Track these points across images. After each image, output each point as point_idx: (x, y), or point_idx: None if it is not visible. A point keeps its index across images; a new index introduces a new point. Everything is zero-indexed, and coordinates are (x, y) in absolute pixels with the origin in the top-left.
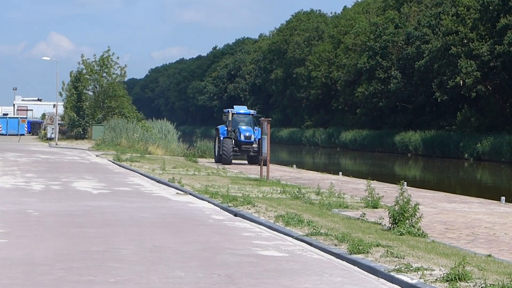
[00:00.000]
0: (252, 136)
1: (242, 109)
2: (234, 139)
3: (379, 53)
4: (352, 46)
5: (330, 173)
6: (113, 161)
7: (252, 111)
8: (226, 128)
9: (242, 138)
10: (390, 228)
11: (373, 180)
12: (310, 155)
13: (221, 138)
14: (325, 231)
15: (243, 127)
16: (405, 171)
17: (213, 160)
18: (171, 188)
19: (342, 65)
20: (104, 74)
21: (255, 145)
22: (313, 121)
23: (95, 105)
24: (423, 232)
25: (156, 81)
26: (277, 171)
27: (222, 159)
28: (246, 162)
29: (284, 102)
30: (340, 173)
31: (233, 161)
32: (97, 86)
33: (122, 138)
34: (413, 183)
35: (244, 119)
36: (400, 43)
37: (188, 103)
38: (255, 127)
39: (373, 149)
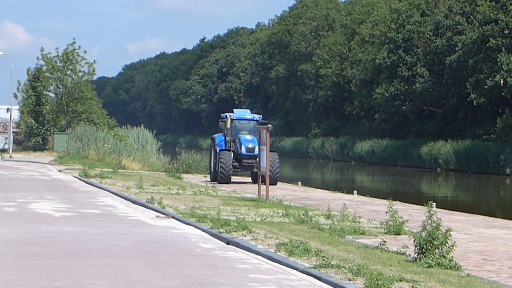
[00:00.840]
0: (257, 147)
1: (244, 113)
2: (234, 152)
3: (402, 47)
4: (369, 38)
5: (342, 192)
6: (79, 177)
7: (256, 116)
8: (224, 138)
9: (244, 150)
10: (416, 259)
11: (395, 200)
12: (318, 170)
13: (218, 151)
14: (337, 262)
15: (246, 137)
16: (434, 190)
17: (200, 177)
18: (149, 210)
19: (357, 61)
20: (69, 72)
21: None
22: (321, 129)
23: (57, 110)
24: (456, 263)
25: (131, 80)
26: (278, 189)
27: (219, 177)
28: (249, 180)
29: (287, 105)
30: (355, 192)
31: (233, 179)
32: (60, 87)
33: (90, 150)
34: (444, 204)
35: (246, 126)
36: (427, 34)
37: (170, 107)
38: None
39: (395, 162)
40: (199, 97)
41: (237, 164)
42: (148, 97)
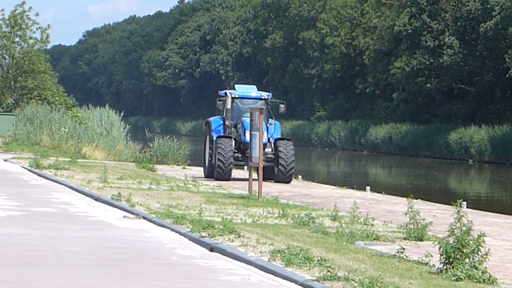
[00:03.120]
0: (265, 134)
1: (249, 90)
2: (235, 139)
3: (427, 10)
4: (386, 0)
5: (352, 188)
6: (29, 168)
7: (265, 94)
8: (222, 122)
9: (249, 137)
10: (441, 270)
11: (416, 198)
12: (323, 160)
13: (215, 138)
14: (345, 274)
15: None
16: (465, 186)
17: (178, 168)
18: (115, 209)
19: (371, 28)
20: (17, 39)
21: (268, 149)
22: (327, 111)
23: (2, 85)
24: (490, 276)
25: (94, 50)
26: (274, 184)
27: (215, 172)
28: (254, 176)
29: (285, 82)
30: (368, 188)
31: (234, 174)
32: (6, 57)
33: (43, 135)
34: (476, 204)
35: (260, 107)
36: None
37: (141, 83)
38: (270, 120)
39: (417, 152)
40: (177, 70)
41: (239, 155)
42: (114, 71)
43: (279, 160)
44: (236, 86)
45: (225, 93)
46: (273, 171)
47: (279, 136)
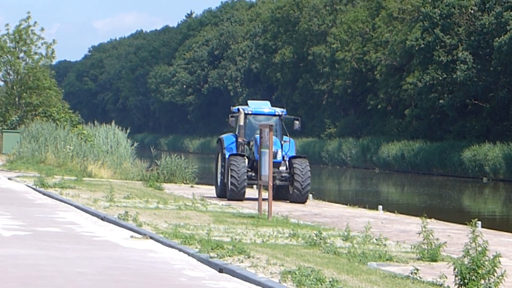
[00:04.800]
0: (279, 152)
1: (263, 106)
2: (248, 158)
3: (440, 25)
4: (398, 14)
5: (364, 207)
6: (34, 187)
7: (279, 110)
8: (235, 139)
9: None
10: None
11: (430, 218)
12: (333, 179)
13: (227, 156)
14: None
15: None
16: (479, 205)
17: (186, 187)
18: (122, 229)
19: (382, 43)
20: (22, 55)
21: (283, 168)
22: (338, 128)
23: (7, 102)
24: None
25: (100, 66)
26: (284, 203)
27: (228, 192)
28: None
29: (295, 98)
30: (380, 207)
31: (248, 193)
32: (11, 73)
33: (48, 152)
34: (492, 223)
35: (269, 124)
36: (471, 8)
37: (148, 99)
38: (285, 137)
39: (430, 170)
40: (184, 86)
41: (253, 174)
42: (121, 87)
43: (294, 179)
44: (249, 102)
45: (238, 109)
46: (288, 191)
47: (294, 154)
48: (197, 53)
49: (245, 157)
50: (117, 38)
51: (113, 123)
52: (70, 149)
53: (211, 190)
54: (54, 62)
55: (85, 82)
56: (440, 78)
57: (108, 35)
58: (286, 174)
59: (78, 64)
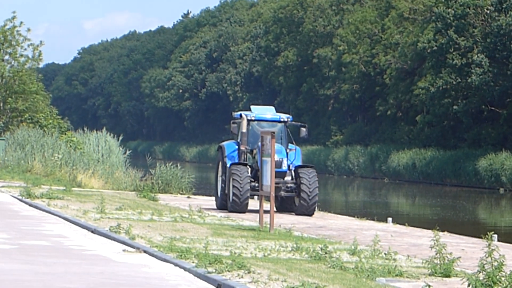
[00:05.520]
0: (284, 160)
1: (267, 111)
2: (251, 167)
3: (453, 26)
4: (409, 14)
5: (373, 220)
6: (20, 197)
7: (284, 116)
8: (237, 147)
9: None
10: None
11: (443, 231)
12: (340, 189)
13: (229, 165)
14: None
15: None
16: (495, 217)
17: (182, 198)
18: (114, 242)
19: (392, 45)
20: (6, 57)
21: (288, 178)
22: (345, 135)
23: None
24: None
25: (90, 69)
26: (287, 215)
27: (230, 203)
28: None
29: (299, 103)
30: (390, 219)
31: (250, 205)
32: None
33: (35, 161)
34: (509, 237)
35: (269, 130)
36: (487, 8)
37: (142, 105)
38: (290, 145)
39: (443, 180)
40: (181, 91)
41: (256, 184)
42: (112, 91)
43: (300, 190)
44: (252, 107)
45: (240, 115)
46: (294, 203)
47: (300, 163)
48: (194, 56)
49: (248, 166)
50: (109, 40)
51: (104, 130)
52: (58, 157)
53: (209, 201)
54: (41, 65)
55: (74, 86)
56: (454, 82)
57: (99, 36)
58: (292, 185)
59: (67, 67)
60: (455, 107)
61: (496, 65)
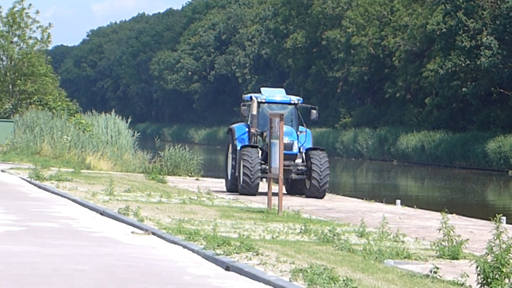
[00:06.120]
0: (295, 143)
1: (277, 93)
2: (262, 149)
3: (463, 8)
4: None
5: (381, 202)
6: (29, 179)
7: (294, 98)
8: (247, 130)
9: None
10: None
11: (451, 213)
12: (349, 171)
13: (239, 148)
14: None
15: None
16: (504, 199)
17: (191, 180)
18: (123, 224)
19: (401, 27)
20: (15, 39)
21: (299, 160)
22: (354, 117)
23: (0, 89)
24: None
25: (99, 51)
26: (295, 197)
27: (240, 186)
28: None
29: (308, 86)
30: (398, 201)
31: (261, 188)
32: (4, 58)
33: (44, 143)
34: None
35: (280, 113)
36: None
37: (151, 87)
38: (301, 128)
39: (452, 163)
40: (189, 73)
41: (266, 166)
42: (121, 74)
43: (311, 172)
44: (262, 89)
45: (250, 97)
46: (304, 185)
47: (310, 146)
48: (203, 38)
49: (258, 149)
50: (117, 22)
51: (113, 112)
52: (67, 139)
53: (217, 183)
54: (50, 47)
55: (83, 68)
56: (463, 64)
57: (107, 18)
58: (302, 167)
59: (75, 50)
60: (464, 89)
61: (505, 47)
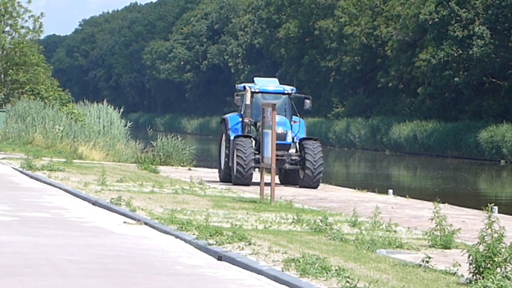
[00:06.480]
0: (289, 133)
1: (270, 83)
2: (255, 139)
3: None
4: None
5: (374, 192)
6: (21, 169)
7: (288, 88)
8: (241, 119)
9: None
10: (470, 281)
11: (443, 202)
12: (341, 161)
13: (232, 138)
14: (365, 284)
15: None
16: (496, 189)
17: (183, 170)
18: (115, 214)
19: (394, 17)
20: (7, 28)
21: (293, 150)
22: (346, 107)
23: None
24: None
25: (91, 41)
26: (287, 187)
27: (234, 176)
28: (276, 180)
29: (300, 75)
30: (391, 191)
31: (254, 178)
32: None
33: (36, 133)
34: (509, 209)
35: (272, 103)
36: None
37: (143, 77)
38: (294, 117)
39: (444, 152)
40: (182, 63)
41: (260, 157)
42: (113, 63)
43: (305, 162)
44: (255, 79)
45: (244, 87)
46: (298, 175)
47: (304, 135)
48: (195, 28)
49: (252, 139)
50: (110, 11)
51: (105, 102)
52: (59, 129)
53: (210, 173)
54: (42, 36)
55: (75, 58)
56: (455, 54)
57: (100, 8)
58: (296, 157)
59: (68, 39)
60: (456, 79)
61: (498, 37)
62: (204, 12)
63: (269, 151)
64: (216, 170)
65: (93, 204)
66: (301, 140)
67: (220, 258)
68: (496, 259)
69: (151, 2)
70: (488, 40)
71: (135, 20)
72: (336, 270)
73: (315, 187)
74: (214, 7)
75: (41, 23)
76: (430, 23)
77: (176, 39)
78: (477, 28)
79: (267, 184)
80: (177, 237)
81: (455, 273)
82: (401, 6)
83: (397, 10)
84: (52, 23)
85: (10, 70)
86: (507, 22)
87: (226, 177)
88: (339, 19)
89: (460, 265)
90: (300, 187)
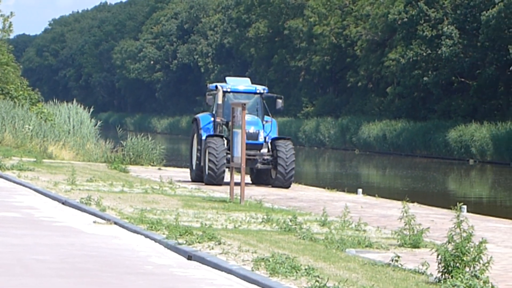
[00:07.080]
0: (261, 133)
1: (242, 83)
2: (227, 139)
3: None
4: None
5: (343, 191)
6: None
7: (260, 88)
8: (212, 119)
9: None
10: (439, 280)
11: (412, 202)
12: (311, 161)
13: (204, 137)
14: (335, 284)
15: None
16: (465, 188)
17: (153, 169)
18: (84, 213)
19: (363, 16)
20: None
21: (265, 150)
22: (316, 106)
23: None
24: (492, 286)
25: (61, 40)
26: (258, 187)
27: (206, 176)
28: (247, 180)
29: (270, 75)
30: (360, 190)
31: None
32: None
33: (5, 132)
34: (478, 208)
35: (242, 102)
36: None
37: (113, 76)
38: (266, 117)
39: (413, 151)
40: (152, 62)
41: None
42: (83, 63)
43: (277, 162)
44: (227, 78)
45: (216, 87)
46: (270, 175)
47: (276, 135)
48: (165, 27)
49: (224, 138)
50: (80, 11)
51: (75, 101)
52: (29, 128)
53: (180, 173)
54: (11, 36)
55: (45, 57)
56: (424, 54)
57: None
58: (268, 157)
59: (37, 39)
60: (425, 78)
61: (466, 36)
62: (174, 12)
63: (239, 151)
64: (187, 170)
65: (63, 203)
66: (273, 139)
67: (190, 257)
68: (464, 258)
69: (121, 2)
70: (456, 40)
71: (105, 19)
72: (305, 269)
73: (287, 186)
74: (184, 7)
75: (10, 22)
76: (399, 22)
77: (146, 39)
78: (446, 28)
79: (237, 184)
80: (147, 236)
81: (424, 272)
82: (370, 6)
83: (366, 10)
84: (21, 22)
85: None
86: (475, 22)
87: (198, 177)
88: (309, 19)
89: (429, 264)
90: (272, 186)
